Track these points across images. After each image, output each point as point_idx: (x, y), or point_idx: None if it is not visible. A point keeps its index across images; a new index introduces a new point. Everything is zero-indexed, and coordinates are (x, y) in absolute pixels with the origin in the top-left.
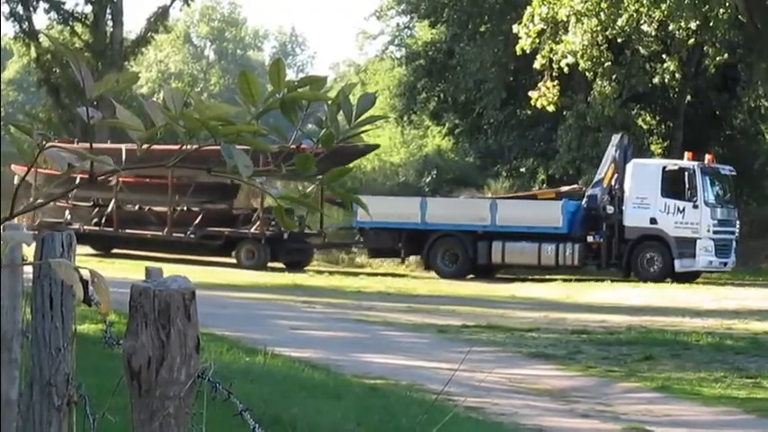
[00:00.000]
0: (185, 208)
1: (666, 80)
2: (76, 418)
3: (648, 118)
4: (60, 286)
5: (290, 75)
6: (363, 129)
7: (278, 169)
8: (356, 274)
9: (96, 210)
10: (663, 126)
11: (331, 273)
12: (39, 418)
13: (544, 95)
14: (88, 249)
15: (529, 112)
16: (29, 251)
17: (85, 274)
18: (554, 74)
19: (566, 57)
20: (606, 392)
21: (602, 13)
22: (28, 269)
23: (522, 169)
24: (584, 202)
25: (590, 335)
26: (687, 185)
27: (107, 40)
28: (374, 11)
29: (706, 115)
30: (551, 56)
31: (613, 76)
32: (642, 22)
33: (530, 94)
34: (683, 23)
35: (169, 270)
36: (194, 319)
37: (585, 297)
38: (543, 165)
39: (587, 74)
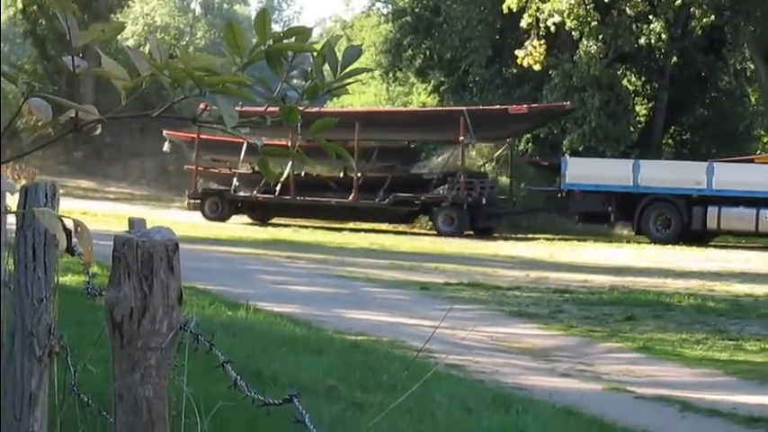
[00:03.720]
0: (362, 173)
1: (653, 41)
2: (57, 369)
3: (634, 79)
4: (43, 237)
5: (276, 30)
6: (348, 81)
7: (263, 120)
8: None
9: (265, 177)
10: (648, 87)
11: (315, 228)
12: (20, 369)
13: (530, 54)
14: (245, 219)
15: (514, 71)
16: (12, 201)
17: (69, 224)
18: (540, 33)
19: (552, 16)
20: (587, 352)
21: None
22: (11, 219)
23: None
24: None
25: (572, 294)
26: None
27: None
28: None
29: (692, 77)
30: (538, 15)
31: (600, 36)
32: None
33: (516, 52)
34: None
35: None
36: (177, 270)
37: (568, 256)
38: None
39: (573, 33)
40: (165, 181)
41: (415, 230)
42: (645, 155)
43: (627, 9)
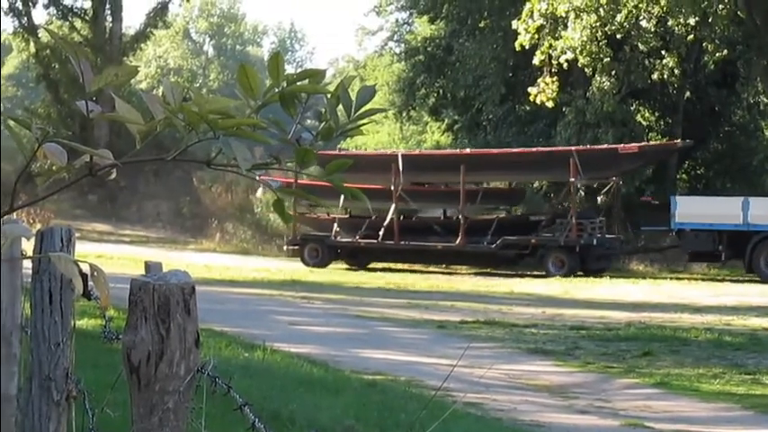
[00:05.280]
0: (462, 216)
1: (665, 76)
2: (76, 413)
3: (648, 114)
4: (59, 281)
5: (289, 70)
6: (363, 122)
7: (277, 162)
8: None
9: (366, 222)
10: (662, 122)
11: (330, 268)
12: (38, 413)
13: (543, 91)
14: (342, 265)
15: (528, 108)
16: (28, 246)
17: (85, 268)
18: (553, 70)
19: (565, 53)
20: (605, 388)
21: (601, 9)
22: (27, 264)
23: None
24: None
25: (588, 331)
26: None
27: (106, 35)
28: (373, 7)
29: (705, 111)
30: (550, 52)
31: (612, 72)
32: (641, 17)
33: (529, 90)
34: (682, 19)
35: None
36: (194, 313)
37: (584, 293)
38: None
39: (586, 70)
40: (180, 223)
41: (519, 272)
42: (660, 190)
43: (639, 45)
